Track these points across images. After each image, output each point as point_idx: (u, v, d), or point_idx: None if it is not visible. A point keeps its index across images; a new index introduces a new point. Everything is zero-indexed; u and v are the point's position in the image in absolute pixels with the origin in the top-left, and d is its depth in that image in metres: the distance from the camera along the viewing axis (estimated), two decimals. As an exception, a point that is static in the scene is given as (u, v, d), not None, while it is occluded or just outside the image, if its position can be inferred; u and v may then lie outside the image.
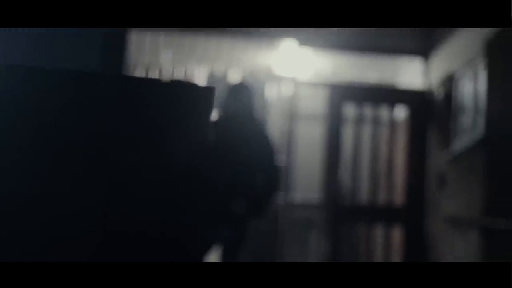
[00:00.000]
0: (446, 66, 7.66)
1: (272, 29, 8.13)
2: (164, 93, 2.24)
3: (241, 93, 5.48)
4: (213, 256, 5.82)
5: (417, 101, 8.23)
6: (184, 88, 2.29)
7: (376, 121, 8.48)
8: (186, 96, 2.26)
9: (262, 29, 8.19)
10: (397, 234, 8.35)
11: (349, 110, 8.43)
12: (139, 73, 8.98)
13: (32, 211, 2.15)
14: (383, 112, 8.56)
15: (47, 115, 2.16)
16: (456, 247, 6.83)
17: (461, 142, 7.01)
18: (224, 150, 5.23)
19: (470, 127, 6.86)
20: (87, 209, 2.19)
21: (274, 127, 8.92)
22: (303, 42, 8.22)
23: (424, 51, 8.29)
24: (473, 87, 6.86)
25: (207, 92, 2.31)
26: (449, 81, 7.54)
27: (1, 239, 2.18)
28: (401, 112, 8.58)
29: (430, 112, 8.10)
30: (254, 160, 5.34)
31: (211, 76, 9.23)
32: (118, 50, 7.59)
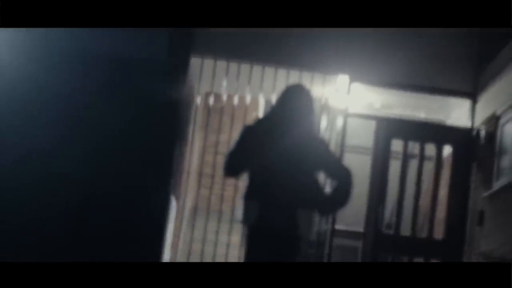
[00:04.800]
0: (492, 108, 7.91)
1: (326, 63, 8.47)
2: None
3: (301, 93, 5.23)
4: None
5: (463, 139, 8.48)
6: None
7: (422, 157, 8.74)
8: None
9: (316, 64, 8.54)
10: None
11: (397, 144, 8.70)
12: (196, 97, 9.37)
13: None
14: (429, 148, 8.82)
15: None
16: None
17: (501, 181, 7.24)
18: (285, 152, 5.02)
19: (510, 165, 7.10)
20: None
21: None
22: (356, 77, 8.55)
23: (472, 92, 8.54)
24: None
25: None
26: (494, 122, 7.79)
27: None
28: (446, 149, 8.82)
29: (474, 151, 8.34)
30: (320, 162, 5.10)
31: (267, 105, 9.58)
32: (181, 74, 7.98)
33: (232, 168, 5.06)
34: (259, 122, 5.19)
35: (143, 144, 7.22)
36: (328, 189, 5.24)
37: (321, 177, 5.17)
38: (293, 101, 5.15)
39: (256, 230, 4.95)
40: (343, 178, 5.08)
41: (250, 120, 5.54)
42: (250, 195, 4.99)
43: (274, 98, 5.24)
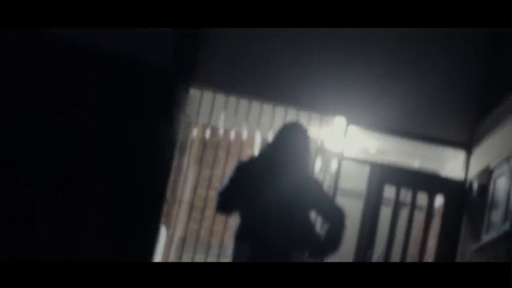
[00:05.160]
0: (486, 161, 7.93)
1: (324, 105, 8.51)
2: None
3: (298, 132, 5.18)
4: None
5: (455, 190, 8.49)
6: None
7: (413, 205, 8.74)
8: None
9: (315, 104, 8.58)
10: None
11: (389, 191, 8.71)
12: (194, 128, 9.39)
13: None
14: (422, 197, 8.82)
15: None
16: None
17: (490, 234, 7.23)
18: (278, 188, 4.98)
19: (500, 220, 7.09)
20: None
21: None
22: (352, 120, 8.58)
23: (467, 144, 8.57)
24: (508, 183, 7.11)
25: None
26: (487, 175, 7.81)
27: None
28: (438, 200, 8.82)
29: (466, 203, 8.34)
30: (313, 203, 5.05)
31: (263, 142, 9.61)
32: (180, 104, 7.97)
33: (225, 206, 5.03)
34: (254, 160, 5.16)
35: (137, 164, 7.19)
36: (320, 228, 5.20)
37: (313, 216, 5.14)
38: (290, 139, 5.11)
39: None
40: (336, 220, 5.02)
41: (245, 156, 5.53)
42: (241, 235, 4.95)
43: (270, 136, 5.21)
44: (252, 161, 5.15)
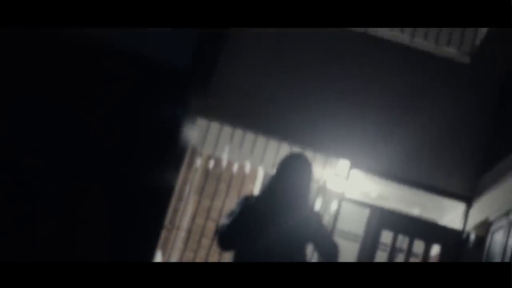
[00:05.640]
0: (485, 214, 7.99)
1: (329, 146, 8.59)
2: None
3: (302, 162, 5.17)
4: None
5: (452, 240, 8.54)
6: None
7: (409, 252, 8.78)
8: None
9: (320, 144, 8.66)
10: None
11: (386, 236, 8.76)
12: (198, 158, 9.44)
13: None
14: (418, 245, 8.87)
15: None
16: None
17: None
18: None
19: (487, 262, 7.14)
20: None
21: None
22: (356, 164, 8.66)
23: (468, 196, 8.63)
24: (505, 236, 7.17)
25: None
26: (485, 228, 7.87)
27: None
28: (435, 248, 8.87)
29: (462, 253, 8.39)
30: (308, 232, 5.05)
31: (265, 177, 9.67)
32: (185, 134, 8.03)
33: (229, 242, 5.01)
34: (257, 195, 5.19)
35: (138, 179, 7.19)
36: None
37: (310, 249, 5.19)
38: (293, 169, 5.12)
39: None
40: (331, 258, 5.10)
41: (246, 191, 5.54)
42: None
43: (273, 170, 5.23)
44: (255, 196, 5.18)
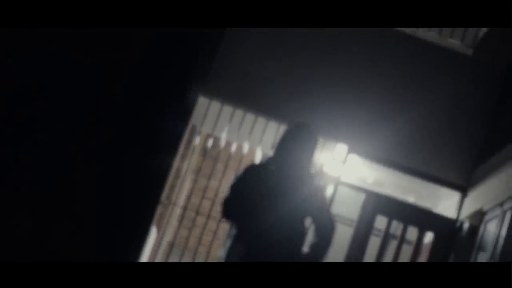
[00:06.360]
0: (480, 203, 8.05)
1: (328, 130, 8.62)
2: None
3: (306, 134, 5.20)
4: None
5: (446, 228, 8.61)
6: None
7: (402, 238, 8.85)
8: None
9: (318, 128, 8.69)
10: None
11: (380, 221, 8.82)
12: (197, 136, 9.46)
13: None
14: (412, 231, 8.93)
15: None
16: None
17: (475, 274, 7.34)
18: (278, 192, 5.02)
19: (487, 260, 7.20)
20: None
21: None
22: (353, 149, 8.70)
23: (463, 185, 8.69)
24: (498, 226, 7.23)
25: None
26: (479, 217, 7.92)
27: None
28: (428, 236, 8.93)
29: (455, 242, 8.45)
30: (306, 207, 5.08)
31: (264, 156, 9.69)
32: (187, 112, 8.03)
33: (231, 212, 5.04)
34: (260, 165, 5.19)
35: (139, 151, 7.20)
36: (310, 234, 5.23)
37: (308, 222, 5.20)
38: (297, 139, 5.13)
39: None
40: (326, 235, 5.09)
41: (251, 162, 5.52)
42: (238, 236, 4.99)
43: (272, 151, 5.22)
44: (258, 166, 5.20)
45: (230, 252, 4.98)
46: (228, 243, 5.04)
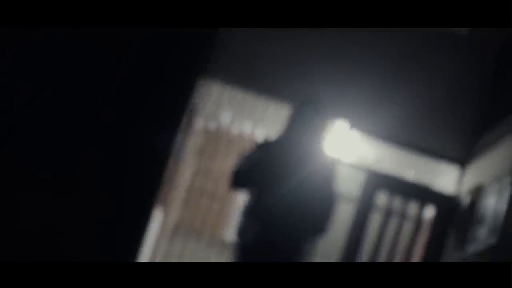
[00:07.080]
0: (479, 178, 8.13)
1: (330, 107, 8.69)
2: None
3: (316, 113, 5.28)
4: None
5: (445, 204, 8.70)
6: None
7: (403, 215, 8.94)
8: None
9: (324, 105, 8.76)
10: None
11: (381, 198, 8.91)
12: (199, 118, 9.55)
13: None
14: (412, 207, 9.02)
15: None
16: None
17: (474, 247, 7.44)
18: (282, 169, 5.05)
19: (486, 235, 7.30)
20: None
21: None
22: (353, 125, 8.78)
23: (462, 160, 8.78)
24: (498, 201, 7.32)
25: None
26: (478, 192, 8.01)
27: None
28: (428, 211, 9.03)
29: (454, 216, 8.55)
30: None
31: (265, 138, 9.75)
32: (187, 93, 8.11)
33: (240, 180, 5.07)
34: (273, 140, 5.25)
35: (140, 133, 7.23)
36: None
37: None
38: (307, 119, 5.21)
39: (250, 247, 4.99)
40: (328, 207, 5.21)
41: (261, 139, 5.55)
42: (251, 212, 5.03)
43: (274, 133, 5.28)
44: (271, 141, 5.25)
45: (243, 228, 4.99)
46: (241, 219, 5.07)
